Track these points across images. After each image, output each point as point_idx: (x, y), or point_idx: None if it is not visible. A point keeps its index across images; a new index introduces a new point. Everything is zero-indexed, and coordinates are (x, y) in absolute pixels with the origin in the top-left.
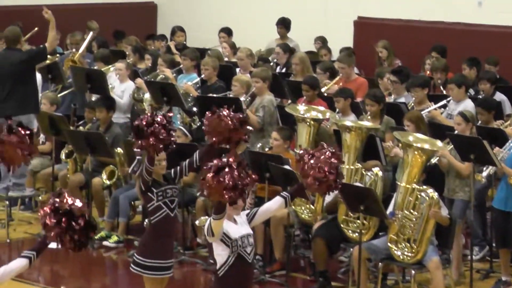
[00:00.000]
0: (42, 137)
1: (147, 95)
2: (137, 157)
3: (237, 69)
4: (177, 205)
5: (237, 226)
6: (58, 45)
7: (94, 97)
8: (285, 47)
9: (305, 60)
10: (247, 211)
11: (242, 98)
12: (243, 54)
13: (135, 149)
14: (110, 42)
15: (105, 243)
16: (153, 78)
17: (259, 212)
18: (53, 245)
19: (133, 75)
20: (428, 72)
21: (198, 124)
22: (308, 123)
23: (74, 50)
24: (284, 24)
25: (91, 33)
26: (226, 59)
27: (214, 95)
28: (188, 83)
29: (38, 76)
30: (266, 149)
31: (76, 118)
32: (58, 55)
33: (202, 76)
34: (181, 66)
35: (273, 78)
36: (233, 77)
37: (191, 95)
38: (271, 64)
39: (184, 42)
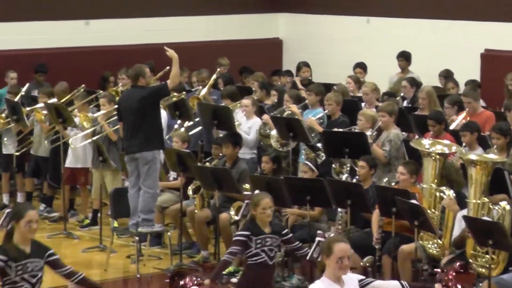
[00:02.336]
0: (172, 173)
1: (273, 132)
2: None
3: (362, 104)
4: (276, 254)
5: None
6: (185, 82)
7: (221, 134)
8: (412, 81)
9: (432, 94)
10: (361, 277)
11: (368, 133)
12: (368, 88)
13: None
14: (236, 79)
15: (233, 280)
16: (280, 114)
17: (373, 285)
18: None
19: (259, 111)
20: None
21: (323, 159)
22: (433, 158)
23: (200, 87)
24: (404, 57)
25: (217, 70)
26: (351, 94)
27: (340, 130)
28: (312, 118)
29: (164, 113)
30: (393, 184)
31: (204, 154)
32: (184, 92)
33: (326, 111)
34: (306, 101)
35: (399, 112)
36: (359, 111)
37: (315, 130)
38: (397, 98)
39: (310, 78)
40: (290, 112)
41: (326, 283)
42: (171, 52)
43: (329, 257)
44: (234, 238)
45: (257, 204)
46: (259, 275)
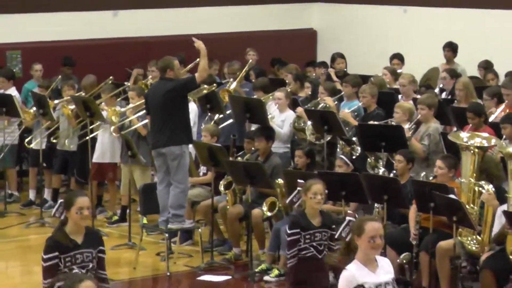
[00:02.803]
0: (203, 168)
1: (309, 123)
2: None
3: (399, 96)
4: (326, 248)
5: (375, 275)
6: (216, 74)
7: (253, 127)
8: (451, 72)
9: (468, 86)
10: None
11: (406, 126)
12: (405, 80)
13: (298, 180)
14: (268, 70)
15: (265, 278)
16: (314, 107)
17: None
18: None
19: (293, 103)
20: None
21: (358, 153)
22: (472, 151)
23: (231, 79)
24: (451, 48)
25: (249, 62)
26: (387, 85)
27: (376, 123)
28: (345, 110)
29: (194, 106)
30: (430, 178)
31: (236, 148)
32: (215, 84)
33: (360, 103)
34: (342, 93)
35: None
36: (396, 103)
37: (350, 123)
38: (436, 90)
39: (345, 69)
40: (325, 104)
41: (359, 266)
42: (198, 44)
43: (360, 237)
44: (288, 239)
45: (309, 189)
46: (309, 268)
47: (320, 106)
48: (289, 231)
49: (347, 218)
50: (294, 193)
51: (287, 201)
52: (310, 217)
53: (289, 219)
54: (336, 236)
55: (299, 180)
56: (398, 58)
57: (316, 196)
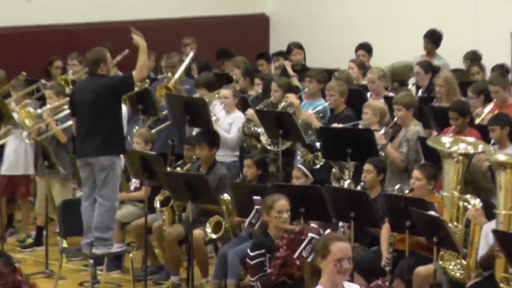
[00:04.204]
0: (135, 182)
1: (262, 129)
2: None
3: (368, 94)
4: None
5: None
6: (152, 68)
7: (194, 131)
8: (426, 65)
9: (451, 81)
10: None
11: (382, 131)
12: (374, 75)
13: (254, 198)
14: (214, 64)
15: None
16: (266, 107)
17: None
18: None
19: (242, 103)
20: None
21: (322, 162)
22: (455, 159)
23: (169, 74)
24: (432, 38)
25: (190, 54)
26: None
27: (341, 126)
28: (309, 111)
29: (125, 108)
30: (406, 191)
31: (174, 157)
32: (148, 80)
33: (326, 103)
34: (301, 92)
35: None
36: (364, 103)
37: (313, 126)
38: (409, 87)
39: (303, 62)
40: (285, 104)
41: None
42: (137, 38)
43: (325, 259)
44: (252, 263)
45: (271, 207)
46: None
47: (281, 105)
48: (252, 254)
49: (309, 235)
50: (252, 213)
51: (246, 224)
52: (275, 237)
53: (252, 241)
54: (295, 256)
55: (255, 197)
56: (364, 49)
57: (281, 215)
